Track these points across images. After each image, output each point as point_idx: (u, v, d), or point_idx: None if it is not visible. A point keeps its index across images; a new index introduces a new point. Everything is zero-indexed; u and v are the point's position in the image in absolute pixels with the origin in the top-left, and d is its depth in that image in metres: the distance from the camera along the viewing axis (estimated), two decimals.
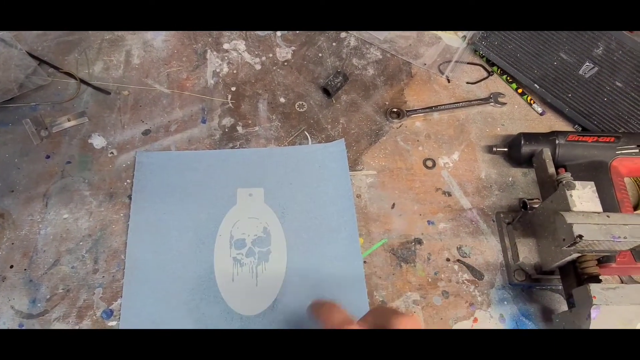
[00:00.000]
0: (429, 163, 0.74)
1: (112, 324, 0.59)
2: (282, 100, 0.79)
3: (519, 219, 0.68)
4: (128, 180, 0.69)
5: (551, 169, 0.65)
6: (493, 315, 0.64)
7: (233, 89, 0.79)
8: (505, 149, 0.74)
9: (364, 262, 0.66)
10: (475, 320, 0.63)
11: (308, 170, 0.72)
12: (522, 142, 0.71)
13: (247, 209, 0.68)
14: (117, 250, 0.64)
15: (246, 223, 0.67)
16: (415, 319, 0.43)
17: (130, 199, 0.68)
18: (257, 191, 0.70)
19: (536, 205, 0.65)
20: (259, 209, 0.68)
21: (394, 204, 0.70)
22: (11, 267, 0.62)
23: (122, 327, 0.59)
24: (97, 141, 0.72)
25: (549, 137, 0.70)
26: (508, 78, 0.83)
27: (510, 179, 0.74)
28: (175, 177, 0.70)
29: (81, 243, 0.64)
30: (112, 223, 0.66)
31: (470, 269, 0.67)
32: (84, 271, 0.62)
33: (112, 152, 0.72)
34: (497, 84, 0.84)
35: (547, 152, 0.68)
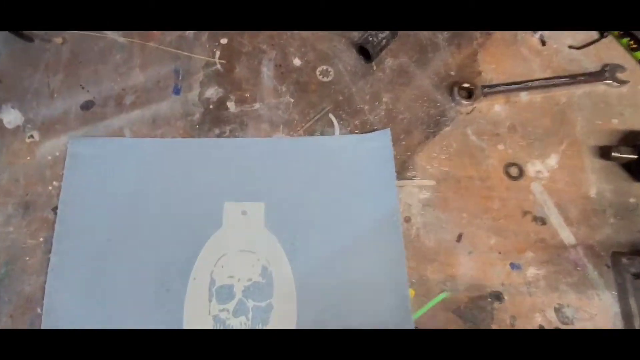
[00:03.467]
0: (514, 171, 0.50)
1: None
2: (297, 62, 0.53)
3: None
4: (55, 183, 0.45)
5: None
6: None
7: (223, 40, 0.53)
8: (635, 156, 0.49)
9: (415, 327, 0.43)
10: None
11: (333, 177, 0.48)
12: None
13: (239, 236, 0.45)
14: (31, 298, 0.42)
15: (236, 259, 0.44)
16: None
17: (55, 213, 0.43)
18: (255, 207, 0.46)
19: None
20: (257, 236, 0.45)
21: (460, 235, 0.47)
22: None
23: None
24: (9, 116, 0.48)
25: None
26: (631, 42, 0.56)
27: (632, 200, 0.50)
28: (128, 181, 0.46)
29: None
30: (25, 253, 0.43)
31: None
32: None
33: (31, 136, 0.47)
34: (613, 50, 0.58)
35: None
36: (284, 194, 0.47)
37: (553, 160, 0.51)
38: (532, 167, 0.51)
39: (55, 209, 0.44)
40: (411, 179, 0.49)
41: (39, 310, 0.41)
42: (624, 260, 0.47)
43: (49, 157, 0.46)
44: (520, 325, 0.45)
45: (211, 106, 0.50)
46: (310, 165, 0.48)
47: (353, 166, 0.48)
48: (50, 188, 0.45)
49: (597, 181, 0.51)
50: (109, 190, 0.45)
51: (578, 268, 0.47)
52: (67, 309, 0.41)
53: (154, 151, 0.47)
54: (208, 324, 0.42)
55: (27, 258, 0.43)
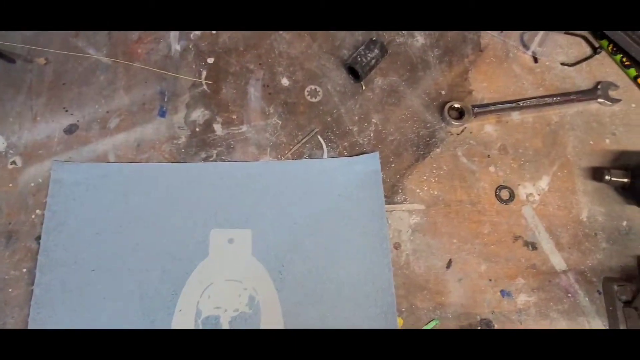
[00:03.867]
0: (505, 194, 0.49)
1: None
2: (285, 82, 0.52)
3: None
4: (38, 211, 0.44)
5: None
6: None
7: (210, 60, 0.52)
8: (626, 180, 0.48)
9: None
10: None
11: (321, 202, 0.47)
12: None
13: (225, 265, 0.44)
14: None
15: (223, 289, 0.43)
16: None
17: (38, 242, 0.43)
18: (242, 235, 0.45)
19: None
20: (244, 265, 0.44)
21: (450, 261, 0.46)
22: None
23: None
24: None
25: None
26: (624, 59, 0.55)
27: (624, 224, 0.49)
28: (113, 208, 0.45)
29: None
30: (9, 284, 0.42)
31: None
32: None
33: (13, 162, 0.46)
34: (606, 67, 0.57)
35: None
36: (272, 220, 0.46)
37: (544, 183, 0.50)
38: (524, 190, 0.50)
39: (38, 238, 0.43)
40: (400, 203, 0.48)
41: None
42: (616, 287, 0.46)
43: (32, 184, 0.45)
44: None
45: (197, 129, 0.49)
46: (298, 189, 0.47)
47: (341, 190, 0.47)
48: (33, 216, 0.44)
49: (589, 204, 0.50)
50: (93, 217, 0.44)
51: (569, 295, 0.47)
52: None
53: (139, 177, 0.46)
54: None
55: (10, 290, 0.42)
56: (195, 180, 0.46)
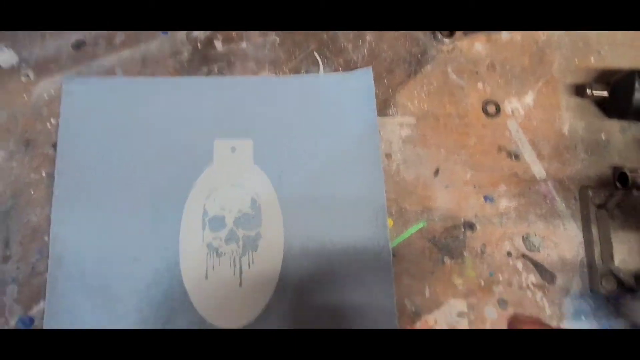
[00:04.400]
0: (491, 108, 0.52)
1: None
2: None
3: (618, 201, 0.47)
4: (52, 120, 0.47)
5: None
6: None
7: None
8: (605, 93, 0.51)
9: (393, 255, 0.46)
10: None
11: (318, 114, 0.50)
12: (638, 84, 0.47)
13: (229, 172, 0.47)
14: (38, 229, 0.44)
15: (227, 193, 0.47)
16: None
17: (55, 149, 0.46)
18: (244, 144, 0.48)
19: None
20: (246, 171, 0.47)
21: (437, 170, 0.50)
22: None
23: None
24: (4, 56, 0.48)
25: None
26: None
27: (602, 137, 0.52)
28: (122, 118, 0.48)
29: None
30: (30, 186, 0.45)
31: (539, 268, 0.48)
32: None
33: (27, 75, 0.48)
34: None
35: None
36: (271, 131, 0.49)
37: (529, 98, 0.53)
38: (509, 105, 0.52)
39: (54, 145, 0.46)
40: (392, 116, 0.51)
41: (45, 238, 0.44)
42: (590, 192, 0.49)
43: (45, 96, 0.48)
44: (489, 252, 0.48)
45: (199, 45, 0.51)
46: (295, 102, 0.50)
47: (336, 103, 0.50)
48: (48, 126, 0.47)
49: (571, 118, 0.53)
50: (104, 127, 0.47)
51: (547, 201, 0.50)
52: (71, 237, 0.44)
53: (146, 89, 0.49)
54: (202, 251, 0.45)
55: (32, 191, 0.45)
56: (198, 93, 0.49)
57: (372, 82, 0.50)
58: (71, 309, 0.42)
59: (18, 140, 0.46)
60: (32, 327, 0.42)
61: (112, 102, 0.48)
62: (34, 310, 0.42)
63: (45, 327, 0.42)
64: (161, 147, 0.47)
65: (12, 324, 0.42)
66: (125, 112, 0.48)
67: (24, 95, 0.47)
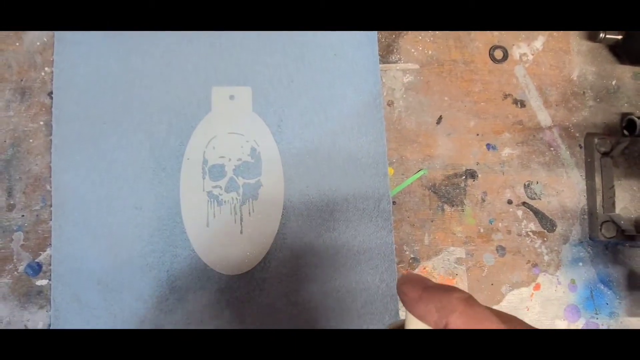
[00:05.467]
0: (499, 54, 0.50)
1: (41, 282, 0.43)
2: None
3: (623, 149, 0.47)
4: (47, 69, 0.46)
5: None
6: (562, 281, 0.47)
7: None
8: (619, 37, 0.49)
9: (393, 202, 0.46)
10: (537, 286, 0.47)
11: (318, 60, 0.48)
12: None
13: (227, 120, 0.47)
14: (40, 177, 0.45)
15: (226, 141, 0.46)
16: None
17: (51, 97, 0.45)
18: (242, 92, 0.47)
19: None
20: (245, 119, 0.47)
21: (440, 118, 0.49)
22: None
23: (54, 287, 0.43)
24: None
25: None
26: None
27: (613, 83, 0.50)
28: (117, 66, 0.47)
29: None
30: (29, 136, 0.45)
31: (539, 216, 0.48)
32: None
33: None
34: None
35: None
36: (270, 78, 0.47)
37: (539, 43, 0.51)
38: (518, 50, 0.50)
39: (50, 94, 0.46)
40: (395, 62, 0.49)
41: (48, 187, 0.45)
42: (596, 140, 0.49)
43: (38, 43, 0.46)
44: (490, 200, 0.48)
45: None
46: (295, 49, 0.48)
47: (337, 50, 0.48)
48: (43, 74, 0.46)
49: (581, 63, 0.51)
50: (99, 75, 0.46)
51: (551, 148, 0.50)
52: (73, 185, 0.44)
53: (140, 37, 0.47)
54: (203, 199, 0.46)
55: (31, 140, 0.45)
56: (194, 39, 0.48)
57: None
58: (77, 255, 0.43)
59: (14, 89, 0.45)
60: (41, 275, 0.43)
61: (107, 50, 0.47)
62: (42, 257, 0.43)
63: (54, 274, 0.43)
64: (158, 96, 0.46)
65: (21, 270, 0.43)
66: (120, 60, 0.47)
67: (17, 43, 0.46)
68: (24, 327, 0.42)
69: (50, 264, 0.43)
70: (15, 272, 0.43)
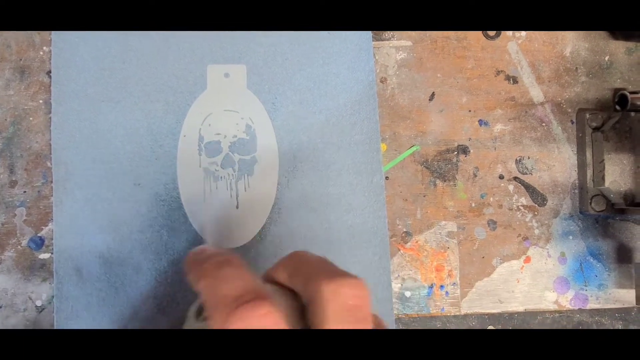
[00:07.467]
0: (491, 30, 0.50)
1: (44, 256, 0.44)
2: None
3: (614, 123, 0.47)
4: (45, 48, 0.47)
5: None
6: (552, 254, 0.48)
7: None
8: None
9: (386, 177, 0.47)
10: (528, 259, 0.48)
11: (310, 38, 0.49)
12: None
13: (223, 98, 0.47)
14: (40, 154, 0.46)
15: (221, 118, 0.47)
16: (357, 286, 0.28)
17: (50, 76, 0.46)
18: (237, 69, 0.48)
19: None
20: (240, 97, 0.48)
21: (433, 94, 0.49)
22: None
23: (57, 260, 0.44)
24: None
25: None
26: None
27: (606, 59, 0.51)
28: (114, 45, 0.47)
29: None
30: (29, 114, 0.46)
31: (530, 190, 0.49)
32: None
33: None
34: None
35: None
36: (264, 56, 0.48)
37: None
38: None
39: (49, 72, 0.47)
40: (388, 40, 0.50)
41: (48, 164, 0.46)
42: (588, 115, 0.49)
43: None
44: (482, 175, 0.49)
45: None
46: None
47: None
48: (41, 53, 0.47)
49: (574, 40, 0.51)
50: (96, 53, 0.47)
51: (543, 124, 0.50)
52: (72, 162, 0.45)
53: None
54: (199, 175, 0.47)
55: (31, 118, 0.46)
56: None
57: None
58: (78, 230, 0.45)
59: (13, 68, 0.46)
60: (43, 249, 0.45)
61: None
62: (44, 232, 0.45)
63: (56, 248, 0.44)
64: (155, 75, 0.47)
65: (24, 244, 0.44)
66: (117, 39, 0.47)
67: None
68: (28, 299, 0.44)
69: (52, 238, 0.44)
70: (19, 246, 0.44)
